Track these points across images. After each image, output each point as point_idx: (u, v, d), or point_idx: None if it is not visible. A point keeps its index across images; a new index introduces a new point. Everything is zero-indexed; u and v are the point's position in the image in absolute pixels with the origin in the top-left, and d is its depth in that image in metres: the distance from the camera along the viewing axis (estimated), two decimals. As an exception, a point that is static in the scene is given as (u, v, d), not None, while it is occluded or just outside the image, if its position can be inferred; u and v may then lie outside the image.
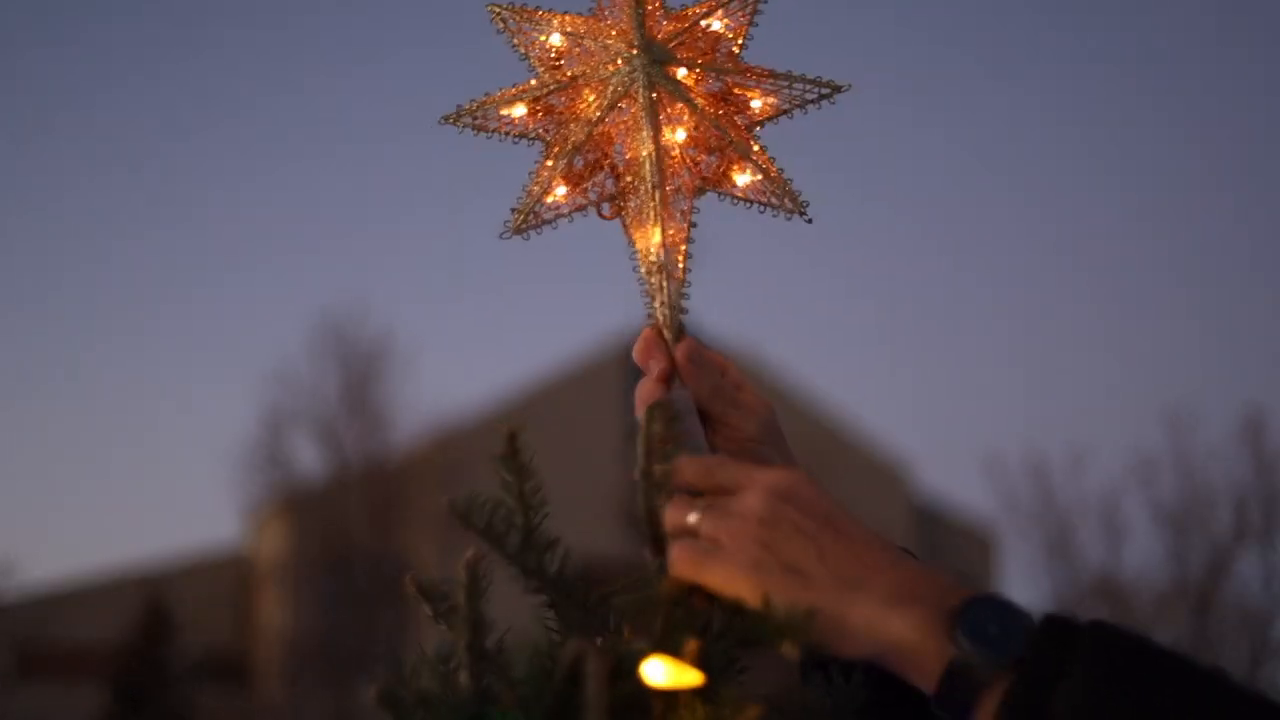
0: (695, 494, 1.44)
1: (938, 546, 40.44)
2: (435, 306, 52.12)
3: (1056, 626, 1.33)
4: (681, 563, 1.39)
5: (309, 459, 33.90)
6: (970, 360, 54.26)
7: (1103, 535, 31.73)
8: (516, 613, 1.45)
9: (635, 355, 1.62)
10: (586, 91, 1.59)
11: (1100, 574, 31.53)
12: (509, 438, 1.43)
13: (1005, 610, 1.34)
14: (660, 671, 1.27)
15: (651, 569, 1.39)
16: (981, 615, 1.34)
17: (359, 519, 32.65)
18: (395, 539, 33.63)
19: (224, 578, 40.27)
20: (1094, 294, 54.49)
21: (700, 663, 1.29)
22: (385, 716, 1.33)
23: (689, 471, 1.45)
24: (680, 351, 1.59)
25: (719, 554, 1.37)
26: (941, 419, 54.46)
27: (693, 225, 1.57)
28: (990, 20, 51.68)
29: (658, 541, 1.42)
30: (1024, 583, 41.48)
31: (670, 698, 1.28)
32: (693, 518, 1.41)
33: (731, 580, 1.36)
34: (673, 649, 1.29)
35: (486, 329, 53.53)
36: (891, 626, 1.34)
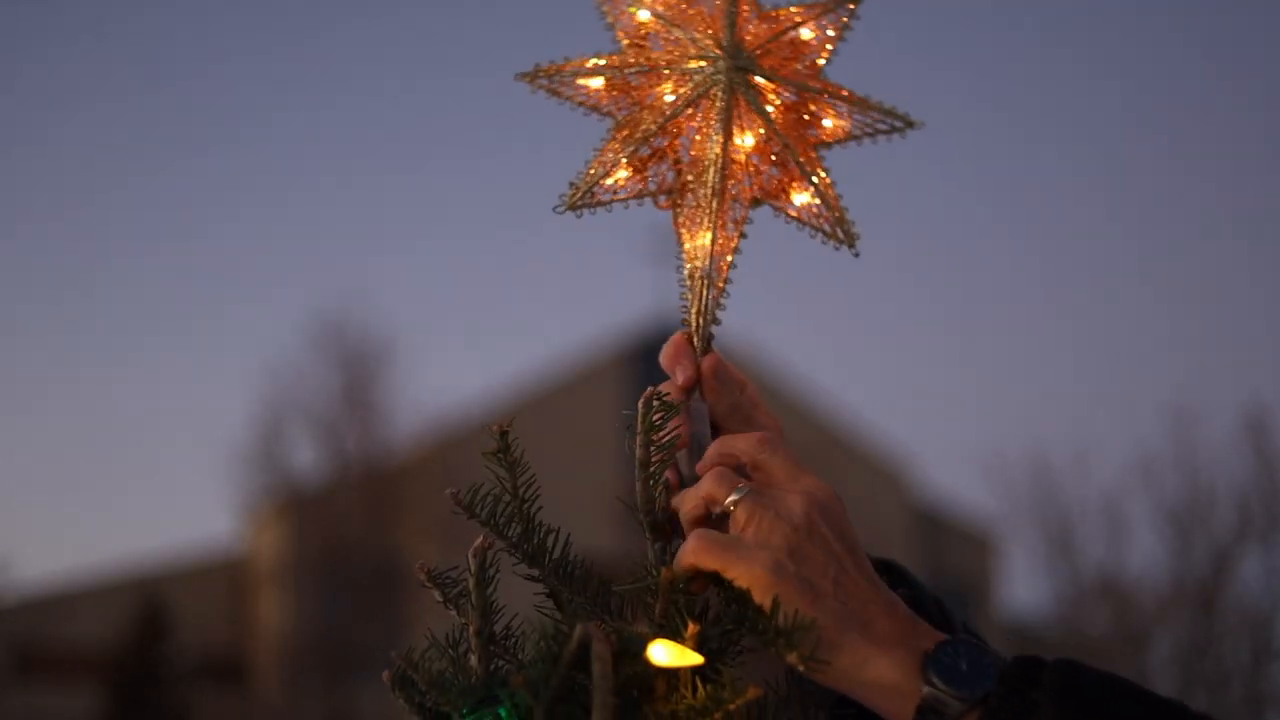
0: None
1: (938, 547, 40.45)
2: (435, 305, 52.12)
3: (1024, 665, 1.39)
4: (703, 550, 1.41)
5: (307, 458, 33.93)
6: (971, 359, 54.29)
7: (1104, 535, 31.74)
8: (521, 600, 1.49)
9: (663, 358, 1.60)
10: (667, 81, 1.58)
11: (1102, 574, 31.52)
12: (500, 435, 1.45)
13: (975, 651, 1.40)
14: (663, 653, 1.30)
15: (651, 554, 1.42)
16: (953, 655, 1.40)
17: (357, 519, 32.65)
18: (394, 539, 33.62)
19: (221, 578, 40.25)
20: (1095, 293, 54.50)
21: (700, 645, 1.33)
22: (398, 698, 1.35)
23: (742, 444, 1.47)
24: (706, 364, 1.58)
25: (744, 548, 1.40)
26: (942, 419, 54.48)
27: (743, 236, 1.58)
28: (974, 24, 51.85)
29: (655, 528, 1.45)
30: (1026, 583, 41.49)
31: (672, 678, 1.32)
32: (733, 498, 1.43)
33: (749, 576, 1.39)
34: (673, 632, 1.33)
35: (486, 328, 53.54)
36: (876, 665, 1.39)
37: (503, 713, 1.30)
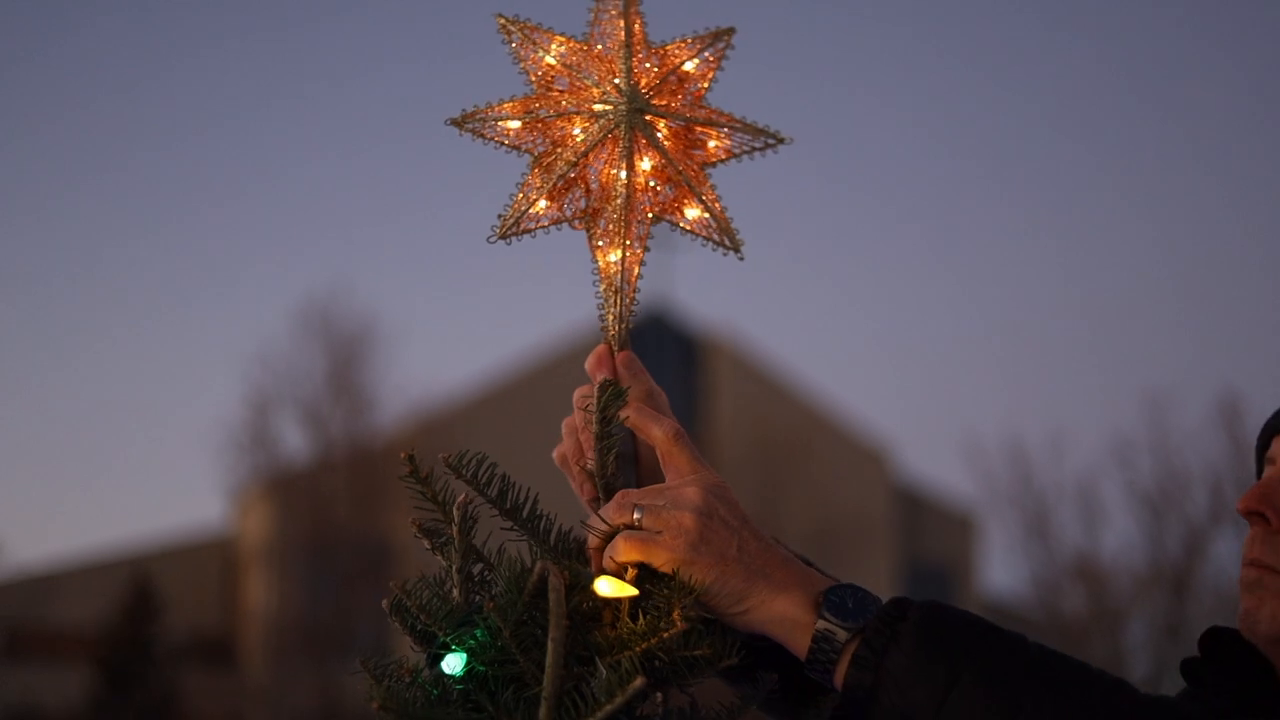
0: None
1: (919, 529, 40.76)
2: (419, 291, 52.33)
3: (897, 603, 1.73)
4: (629, 548, 1.73)
5: (294, 441, 34.10)
6: (951, 346, 54.58)
7: (1081, 517, 32.03)
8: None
9: (587, 365, 1.92)
10: (575, 120, 1.86)
11: (1078, 555, 31.80)
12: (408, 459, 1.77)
13: (860, 592, 1.75)
14: (607, 587, 1.65)
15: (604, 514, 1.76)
16: (840, 595, 1.74)
17: (343, 501, 32.81)
18: (379, 520, 33.79)
19: (209, 559, 40.44)
20: (1073, 281, 54.79)
21: (636, 582, 1.66)
22: (395, 623, 1.69)
23: (658, 431, 1.81)
24: (621, 359, 1.91)
25: (662, 540, 1.73)
26: (923, 404, 54.78)
27: (646, 250, 1.88)
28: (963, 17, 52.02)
29: (608, 490, 1.79)
30: (1004, 563, 41.77)
31: (616, 608, 1.66)
32: (636, 515, 1.75)
33: (672, 561, 1.72)
34: (618, 571, 1.67)
35: (471, 313, 53.75)
36: (779, 605, 1.73)
37: (478, 633, 1.64)
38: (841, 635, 1.70)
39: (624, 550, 1.72)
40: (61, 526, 56.58)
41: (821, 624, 1.71)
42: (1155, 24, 52.37)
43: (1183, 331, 53.22)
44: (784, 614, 1.73)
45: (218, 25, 52.89)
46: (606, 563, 1.74)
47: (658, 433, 1.82)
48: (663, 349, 39.06)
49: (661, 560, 1.72)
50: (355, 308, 34.49)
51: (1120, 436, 32.87)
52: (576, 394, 1.91)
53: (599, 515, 1.76)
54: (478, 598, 1.68)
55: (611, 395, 1.77)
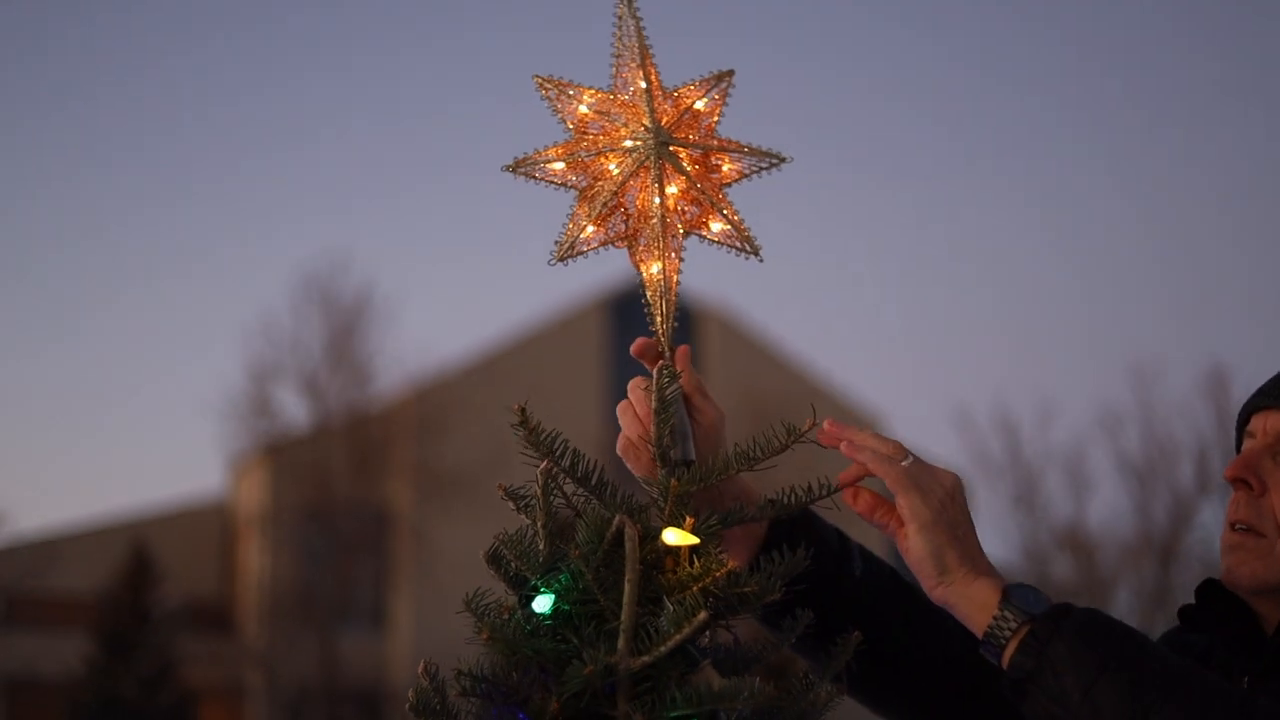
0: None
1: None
2: (416, 261, 52.57)
3: (1062, 605, 2.09)
4: (898, 478, 2.12)
5: (292, 409, 34.37)
6: (940, 318, 54.89)
7: (1069, 487, 32.39)
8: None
9: (633, 351, 2.25)
10: (610, 157, 2.21)
11: (1067, 525, 32.16)
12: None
13: (1037, 592, 2.11)
14: (673, 536, 1.97)
15: (661, 475, 2.08)
16: (1023, 592, 2.11)
17: (340, 468, 33.08)
18: (376, 488, 34.09)
19: (208, 527, 40.73)
20: (1061, 252, 55.09)
21: (695, 532, 1.99)
22: (493, 571, 2.01)
23: (889, 448, 2.17)
24: (680, 352, 2.24)
25: (916, 491, 2.11)
26: (913, 375, 55.13)
27: (681, 260, 2.23)
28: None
29: (664, 458, 2.10)
30: (994, 532, 42.10)
31: (677, 555, 1.98)
32: (907, 461, 2.13)
33: (920, 513, 2.10)
34: (679, 522, 1.99)
35: (467, 281, 53.99)
36: (973, 588, 2.11)
37: (563, 577, 1.97)
38: (1014, 623, 2.06)
39: (894, 478, 2.11)
40: (60, 494, 56.91)
41: (1002, 611, 2.07)
42: (1146, -4, 52.59)
43: (1170, 304, 53.58)
44: (974, 596, 2.10)
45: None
46: (858, 467, 2.15)
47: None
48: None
49: (912, 505, 2.10)
50: (353, 277, 34.71)
51: (1108, 408, 33.29)
52: (632, 383, 2.24)
53: (867, 435, 2.17)
54: (561, 550, 2.00)
55: (669, 376, 2.10)
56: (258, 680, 35.27)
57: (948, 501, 2.11)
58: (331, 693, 32.44)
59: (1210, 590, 2.32)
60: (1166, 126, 53.96)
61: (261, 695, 35.26)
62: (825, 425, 2.18)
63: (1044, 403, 43.47)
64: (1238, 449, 2.36)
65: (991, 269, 54.74)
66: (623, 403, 2.26)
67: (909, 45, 54.21)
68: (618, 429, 2.22)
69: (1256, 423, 2.32)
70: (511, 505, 2.08)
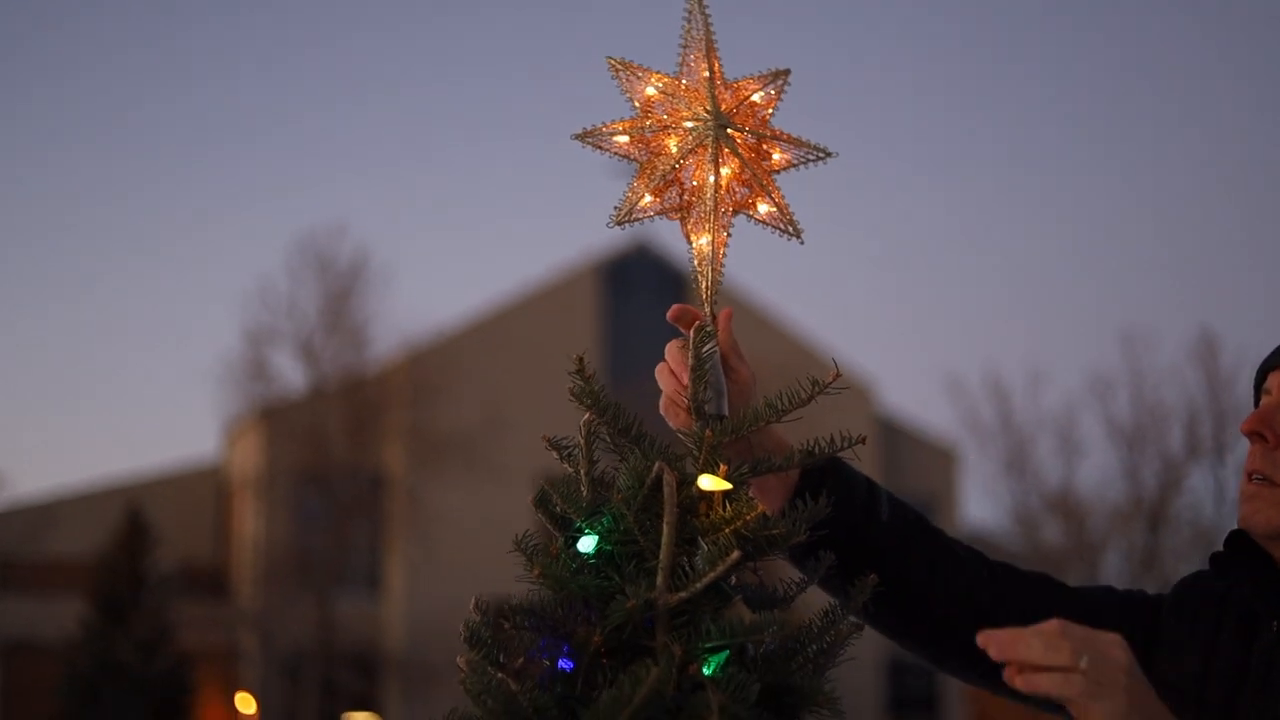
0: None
1: (902, 460, 41.33)
2: (412, 224, 52.64)
3: None
4: (1083, 690, 2.01)
5: (287, 373, 34.48)
6: (933, 283, 55.07)
7: (1060, 452, 32.57)
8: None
9: (669, 317, 2.40)
10: (671, 135, 2.38)
11: (1057, 489, 32.35)
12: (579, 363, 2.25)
13: None
14: (708, 482, 2.13)
15: (696, 427, 2.24)
16: None
17: (336, 432, 33.21)
18: (371, 451, 34.22)
19: (204, 490, 40.89)
20: (1051, 218, 55.24)
21: (727, 478, 2.15)
22: (542, 513, 2.18)
23: (1063, 632, 2.07)
24: (723, 314, 2.41)
25: (1105, 695, 2.02)
26: (905, 340, 55.33)
27: (729, 235, 2.40)
28: (956, -55, 52.21)
29: (699, 412, 2.26)
30: (985, 496, 42.33)
31: (710, 500, 2.14)
32: (1083, 663, 2.03)
33: (1106, 715, 2.02)
34: (713, 470, 2.15)
35: (462, 246, 54.09)
36: None
37: (606, 520, 2.13)
38: None
39: (1078, 691, 2.00)
40: (57, 459, 57.05)
41: None
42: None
43: (1160, 271, 53.77)
44: None
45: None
46: (1023, 686, 2.03)
47: (745, 372, 2.33)
48: (646, 280, 39.46)
49: (1106, 712, 2.02)
50: (349, 243, 34.79)
51: (1098, 373, 33.45)
52: (670, 345, 2.41)
53: (1033, 643, 2.02)
54: (604, 494, 2.16)
55: (705, 335, 2.27)
56: (253, 643, 35.47)
57: (1131, 685, 2.03)
58: (327, 655, 32.65)
59: (1239, 539, 2.49)
60: (1154, 95, 54.06)
61: (257, 658, 35.48)
62: (991, 647, 2.02)
63: (1035, 368, 43.51)
64: (1255, 404, 2.53)
65: (984, 236, 54.89)
66: (661, 365, 2.42)
67: (893, 6, 54.26)
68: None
69: (1273, 380, 2.49)
70: (555, 454, 2.24)
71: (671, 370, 2.39)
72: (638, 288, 39.24)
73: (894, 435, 41.83)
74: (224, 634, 35.93)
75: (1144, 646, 2.52)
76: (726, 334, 2.41)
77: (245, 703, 35.26)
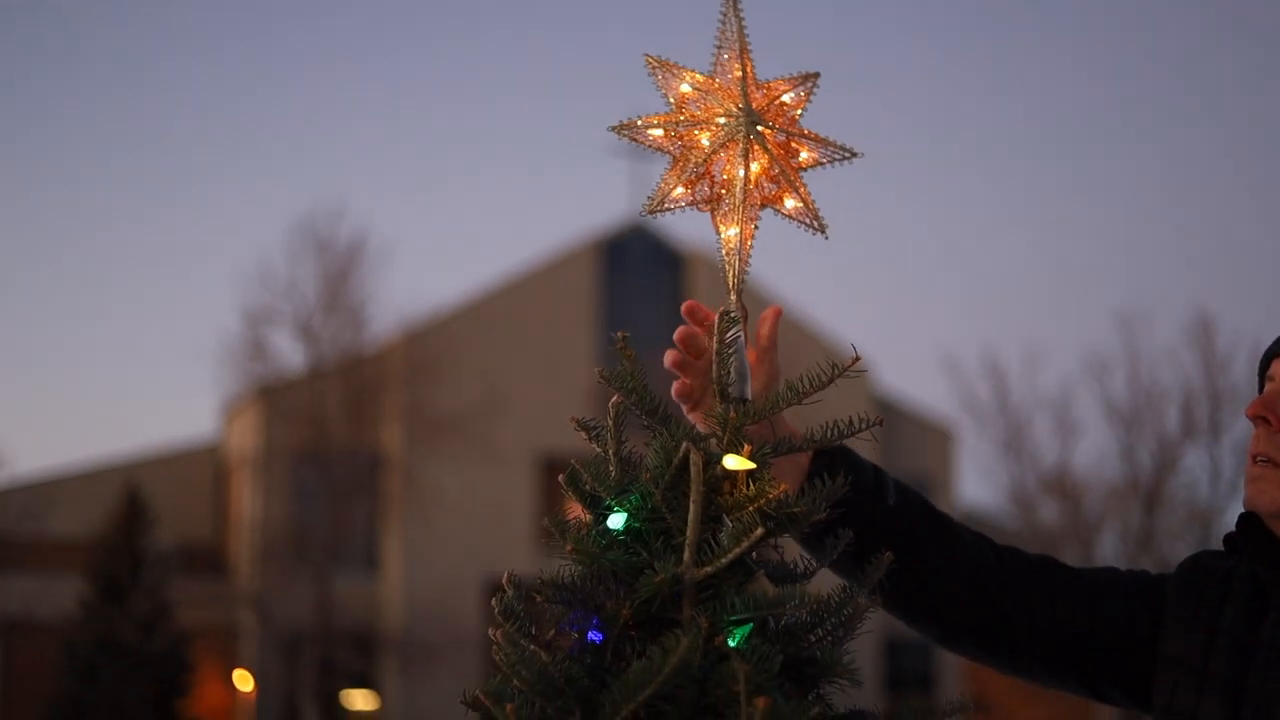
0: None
1: (898, 439, 41.41)
2: (410, 204, 52.67)
3: None
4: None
5: (285, 353, 34.54)
6: (930, 263, 55.13)
7: (1056, 432, 32.65)
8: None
9: (683, 310, 2.52)
10: (704, 130, 2.48)
11: (1054, 469, 32.43)
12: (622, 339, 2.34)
13: None
14: (733, 462, 2.22)
15: (720, 408, 2.33)
16: None
17: (334, 411, 33.28)
18: (369, 431, 34.30)
19: (202, 469, 40.95)
20: (1050, 199, 55.29)
21: (751, 458, 2.24)
22: (571, 493, 2.26)
23: None
24: (773, 311, 2.56)
25: None
26: (903, 320, 55.41)
27: (756, 227, 2.49)
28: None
29: (723, 394, 2.35)
30: (981, 475, 42.42)
31: (734, 479, 2.23)
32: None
33: None
34: (736, 450, 2.24)
35: (460, 226, 54.13)
36: None
37: (634, 498, 2.22)
38: None
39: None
40: (55, 437, 57.09)
41: None
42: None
43: (1157, 251, 53.84)
44: None
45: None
46: None
47: (772, 369, 2.48)
48: (644, 259, 39.50)
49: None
50: (348, 223, 34.81)
51: (1095, 354, 33.53)
52: (677, 333, 2.51)
53: None
54: (631, 474, 2.25)
55: (731, 321, 2.38)
56: (252, 622, 35.57)
57: None
58: (325, 634, 32.75)
59: (1249, 520, 2.60)
60: (1152, 75, 54.06)
61: (256, 636, 35.59)
62: None
63: (1032, 348, 43.65)
64: (1259, 390, 2.64)
65: (981, 215, 54.95)
66: (672, 353, 2.50)
67: (899, -9, 54.26)
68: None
69: (1276, 367, 2.61)
70: (583, 435, 2.33)
71: (680, 358, 2.48)
72: (635, 267, 39.29)
73: (891, 415, 41.89)
74: (222, 612, 36.01)
75: (1151, 624, 2.62)
76: (773, 329, 2.54)
77: (243, 680, 35.38)
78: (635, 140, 2.48)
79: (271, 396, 35.09)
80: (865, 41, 54.63)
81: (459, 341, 37.01)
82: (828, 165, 2.54)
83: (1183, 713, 2.54)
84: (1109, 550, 31.00)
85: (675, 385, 2.48)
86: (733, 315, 2.40)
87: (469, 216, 54.53)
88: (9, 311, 53.82)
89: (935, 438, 42.55)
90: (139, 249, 54.41)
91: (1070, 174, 55.66)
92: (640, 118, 2.49)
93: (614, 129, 2.47)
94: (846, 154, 2.53)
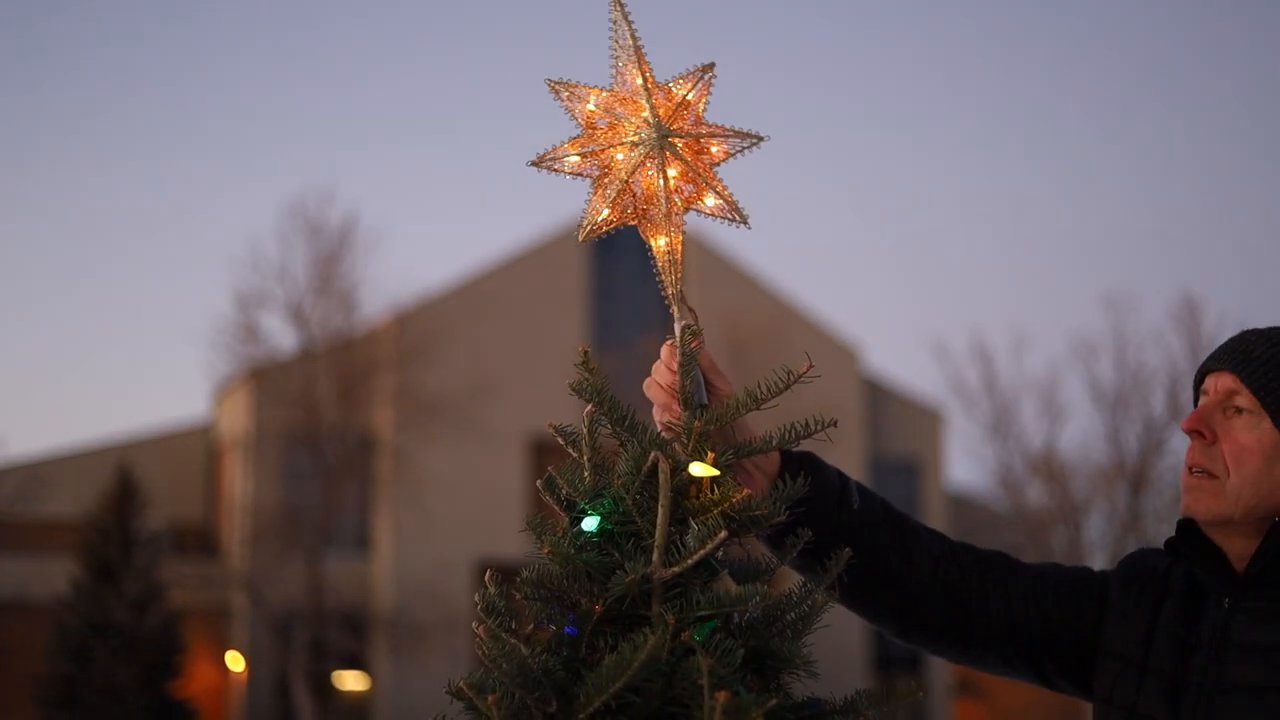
0: None
1: (887, 421, 41.56)
2: (401, 188, 52.70)
3: None
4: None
5: (277, 336, 34.61)
6: (918, 246, 55.23)
7: (1043, 414, 32.83)
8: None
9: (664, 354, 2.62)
10: (618, 149, 2.56)
11: (1041, 452, 32.60)
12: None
13: None
14: (698, 469, 2.37)
15: (684, 417, 2.47)
16: None
17: (325, 394, 33.36)
18: (360, 413, 34.40)
19: (194, 451, 41.05)
20: (1036, 183, 55.39)
21: (715, 464, 2.39)
22: (549, 496, 2.41)
23: None
24: (705, 359, 2.58)
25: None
26: (891, 303, 55.54)
27: (683, 232, 2.59)
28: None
29: (686, 402, 2.50)
30: (969, 458, 42.55)
31: (701, 483, 2.38)
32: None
33: None
34: (701, 457, 2.39)
35: (450, 210, 54.17)
36: None
37: (607, 502, 2.37)
38: None
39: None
40: (48, 419, 57.16)
41: None
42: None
43: (1143, 235, 53.97)
44: None
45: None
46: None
47: (725, 388, 2.57)
48: (632, 241, 39.46)
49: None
50: (338, 207, 34.92)
51: (1081, 337, 33.68)
52: (665, 346, 2.61)
53: None
54: (605, 478, 2.40)
55: (692, 334, 2.53)
56: (243, 603, 35.69)
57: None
58: (317, 614, 32.87)
59: (1188, 526, 2.77)
60: (1139, 62, 54.14)
61: (247, 617, 35.72)
62: None
63: (1019, 332, 43.90)
64: (1195, 404, 2.80)
65: (969, 199, 55.06)
66: (649, 380, 2.60)
67: (889, -26, 54.26)
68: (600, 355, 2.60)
69: (1209, 382, 2.77)
70: (560, 440, 2.48)
71: (659, 383, 2.58)
72: (624, 251, 39.36)
73: (879, 397, 42.05)
74: (214, 593, 36.15)
75: (1095, 617, 2.79)
76: (704, 356, 2.59)
77: (235, 661, 35.54)
78: (554, 170, 2.56)
79: (263, 379, 35.17)
80: (863, 31, 54.66)
81: (449, 324, 37.12)
82: (739, 155, 2.60)
83: (1123, 704, 2.70)
84: (1095, 532, 31.21)
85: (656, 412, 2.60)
86: (694, 329, 2.52)
87: (459, 200, 54.60)
88: (3, 295, 53.85)
89: (924, 420, 42.70)
90: (133, 233, 54.44)
91: (1057, 158, 55.77)
92: (554, 147, 2.56)
93: (532, 163, 2.54)
94: (753, 140, 2.59)
